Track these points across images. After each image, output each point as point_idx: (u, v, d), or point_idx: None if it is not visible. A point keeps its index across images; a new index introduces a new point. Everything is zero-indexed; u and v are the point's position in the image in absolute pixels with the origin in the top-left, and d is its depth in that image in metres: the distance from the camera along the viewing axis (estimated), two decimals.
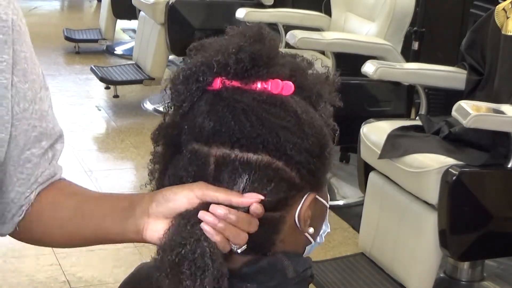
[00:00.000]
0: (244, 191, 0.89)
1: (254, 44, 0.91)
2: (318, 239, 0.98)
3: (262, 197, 0.88)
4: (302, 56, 0.97)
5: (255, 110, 0.88)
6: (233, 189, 0.89)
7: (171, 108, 0.95)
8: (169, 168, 0.93)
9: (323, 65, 1.01)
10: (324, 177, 0.95)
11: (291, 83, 0.91)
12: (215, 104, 0.90)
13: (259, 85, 0.90)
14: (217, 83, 0.90)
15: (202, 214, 0.87)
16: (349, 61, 3.67)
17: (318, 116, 0.93)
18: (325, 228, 0.99)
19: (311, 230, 0.94)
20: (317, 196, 0.93)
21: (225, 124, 0.88)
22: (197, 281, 0.84)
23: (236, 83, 0.90)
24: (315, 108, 0.94)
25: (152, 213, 0.91)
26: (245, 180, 0.88)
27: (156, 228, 0.91)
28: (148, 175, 0.97)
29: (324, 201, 0.96)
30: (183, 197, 0.89)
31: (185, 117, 0.92)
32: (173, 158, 0.93)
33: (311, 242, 0.96)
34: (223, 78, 0.90)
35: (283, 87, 0.90)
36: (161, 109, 4.67)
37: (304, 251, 0.97)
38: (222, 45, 0.92)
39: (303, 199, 0.92)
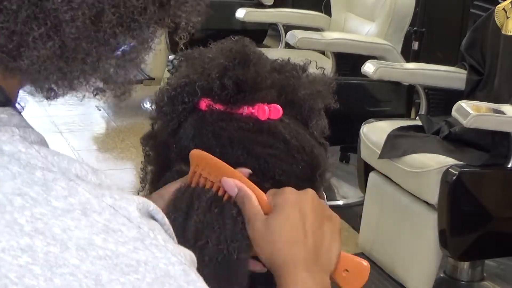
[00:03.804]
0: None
1: (238, 67, 0.87)
2: None
3: (250, 171, 0.85)
4: (293, 64, 0.93)
5: (241, 140, 0.85)
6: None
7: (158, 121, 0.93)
8: (159, 184, 0.91)
9: (318, 66, 0.97)
10: (318, 193, 0.91)
11: (278, 106, 0.86)
12: (200, 128, 0.87)
13: (245, 110, 0.86)
14: (203, 105, 0.87)
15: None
16: (349, 61, 3.68)
17: (309, 137, 0.89)
18: None
19: None
20: None
21: (211, 151, 0.85)
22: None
23: (221, 107, 0.87)
24: (306, 124, 0.90)
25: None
26: None
27: None
28: (140, 182, 0.95)
29: None
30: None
31: (173, 135, 0.90)
32: (164, 170, 0.91)
33: None
34: (209, 100, 0.87)
35: (271, 112, 0.86)
36: None
37: None
38: (205, 67, 0.88)
39: None
